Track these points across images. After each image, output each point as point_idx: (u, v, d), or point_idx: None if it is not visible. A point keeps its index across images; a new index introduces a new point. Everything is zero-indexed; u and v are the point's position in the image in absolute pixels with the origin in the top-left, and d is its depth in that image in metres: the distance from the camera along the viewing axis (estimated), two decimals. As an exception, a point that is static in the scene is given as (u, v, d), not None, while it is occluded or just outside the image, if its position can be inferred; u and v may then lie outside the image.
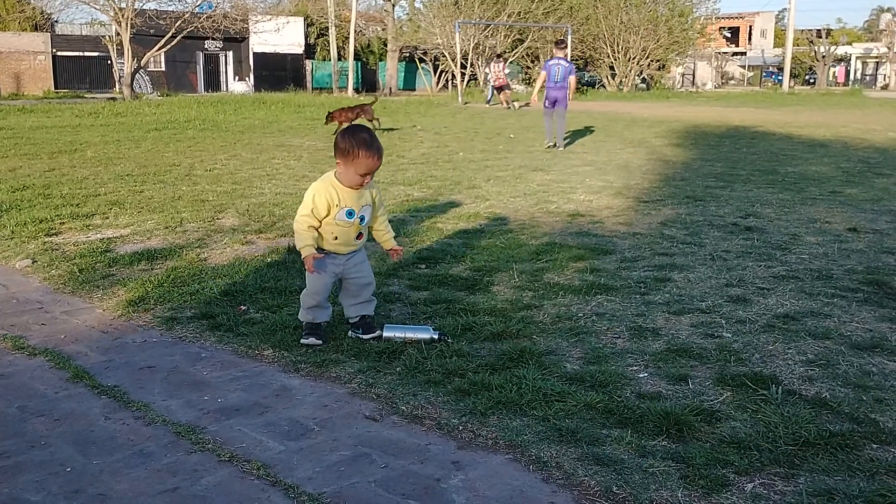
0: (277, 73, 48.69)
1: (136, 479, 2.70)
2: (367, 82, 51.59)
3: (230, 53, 49.24)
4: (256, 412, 3.22)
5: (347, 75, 42.18)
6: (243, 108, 24.64)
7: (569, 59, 14.54)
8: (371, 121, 15.85)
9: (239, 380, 3.55)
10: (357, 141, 3.71)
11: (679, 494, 2.57)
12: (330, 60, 47.09)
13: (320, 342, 3.90)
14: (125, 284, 4.99)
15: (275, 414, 3.20)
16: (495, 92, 29.32)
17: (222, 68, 49.69)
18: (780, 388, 3.34)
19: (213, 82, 48.70)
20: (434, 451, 2.88)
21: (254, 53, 48.90)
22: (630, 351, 3.82)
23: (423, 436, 3.00)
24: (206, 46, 47.28)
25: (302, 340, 3.91)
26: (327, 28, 46.05)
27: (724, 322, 4.22)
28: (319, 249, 3.83)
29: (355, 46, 43.50)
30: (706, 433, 2.97)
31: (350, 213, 3.81)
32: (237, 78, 49.06)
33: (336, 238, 3.85)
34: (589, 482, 2.65)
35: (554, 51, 14.37)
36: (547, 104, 13.74)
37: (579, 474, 2.70)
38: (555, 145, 13.48)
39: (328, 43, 46.20)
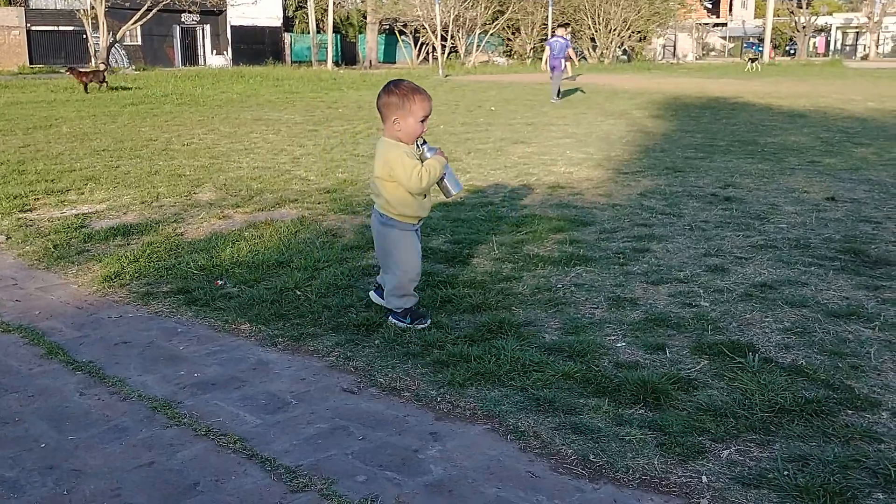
0: (255, 46, 48.18)
1: (112, 454, 2.68)
2: (347, 55, 51.16)
3: (207, 27, 48.64)
4: (233, 386, 3.20)
5: (326, 48, 41.82)
6: (221, 82, 24.43)
7: (566, 36, 18.95)
8: (101, 83, 20.74)
9: (215, 354, 3.52)
10: (407, 89, 3.61)
11: (655, 462, 2.58)
12: (309, 33, 46.68)
13: (429, 320, 3.81)
14: (100, 260, 4.94)
15: (252, 388, 3.18)
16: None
17: (199, 42, 49.08)
18: (757, 355, 3.35)
19: (190, 56, 48.13)
20: (412, 423, 2.87)
21: (231, 26, 48.34)
22: (608, 321, 3.83)
23: (401, 407, 3.00)
24: (182, 20, 46.69)
25: (418, 326, 3.74)
26: (306, 0, 45.58)
27: (701, 291, 4.23)
28: (406, 224, 3.73)
29: (334, 19, 43.11)
30: (683, 401, 2.98)
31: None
32: (215, 51, 48.51)
33: (425, 196, 3.74)
34: (566, 451, 2.65)
35: (556, 30, 19.45)
36: (551, 71, 18.44)
37: (556, 443, 2.70)
38: (559, 95, 18.23)
39: (307, 15, 45.78)
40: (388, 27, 50.81)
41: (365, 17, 47.43)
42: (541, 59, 19.20)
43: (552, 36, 19.58)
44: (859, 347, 3.47)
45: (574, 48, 23.05)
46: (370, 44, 46.41)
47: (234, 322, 3.89)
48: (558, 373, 3.21)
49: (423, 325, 3.76)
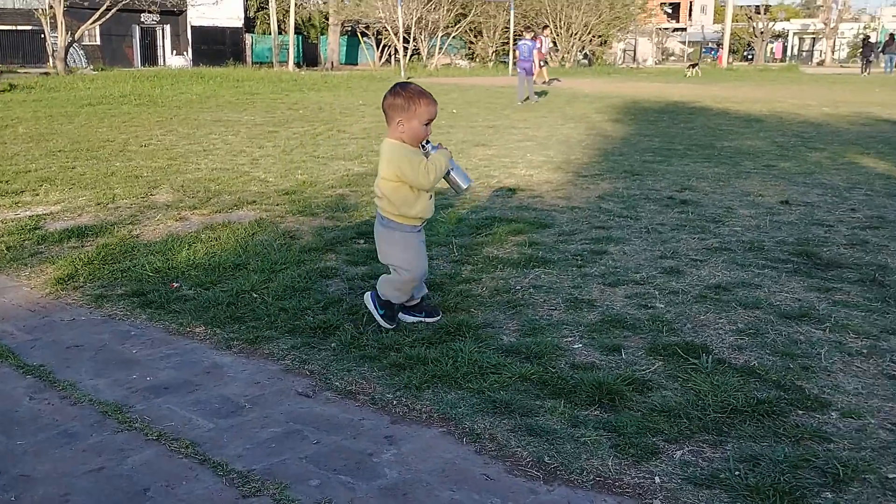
0: (216, 47, 47.72)
1: (61, 459, 2.63)
2: (309, 56, 50.83)
3: (167, 27, 48.06)
4: (186, 390, 3.16)
5: (288, 49, 41.57)
6: (180, 83, 24.15)
7: (533, 39, 19.97)
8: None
9: (169, 357, 3.48)
10: (413, 92, 3.61)
11: (609, 463, 2.59)
12: (270, 34, 46.35)
13: (396, 324, 3.79)
14: (54, 262, 4.86)
15: (205, 392, 3.15)
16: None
17: (159, 42, 48.48)
18: (711, 357, 3.39)
19: (149, 56, 47.52)
20: (367, 426, 2.86)
21: (192, 27, 47.81)
22: (565, 322, 3.85)
23: (356, 411, 2.98)
24: (142, 19, 46.09)
25: (384, 325, 3.73)
26: (267, 1, 45.26)
27: (657, 293, 4.27)
28: (408, 226, 3.70)
29: (296, 20, 42.84)
30: (637, 402, 3.00)
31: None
32: (175, 52, 47.96)
33: (431, 197, 3.73)
34: (521, 453, 2.66)
35: (523, 33, 20.94)
36: (520, 72, 19.08)
37: (512, 445, 2.70)
38: (527, 99, 18.51)
39: (268, 16, 45.43)
40: (350, 29, 50.61)
41: (327, 19, 47.18)
42: (503, 62, 20.46)
43: (519, 38, 20.64)
44: (810, 349, 3.52)
45: (542, 51, 22.92)
46: (332, 45, 46.20)
47: (189, 325, 3.85)
48: (515, 375, 3.22)
49: (389, 327, 3.74)
